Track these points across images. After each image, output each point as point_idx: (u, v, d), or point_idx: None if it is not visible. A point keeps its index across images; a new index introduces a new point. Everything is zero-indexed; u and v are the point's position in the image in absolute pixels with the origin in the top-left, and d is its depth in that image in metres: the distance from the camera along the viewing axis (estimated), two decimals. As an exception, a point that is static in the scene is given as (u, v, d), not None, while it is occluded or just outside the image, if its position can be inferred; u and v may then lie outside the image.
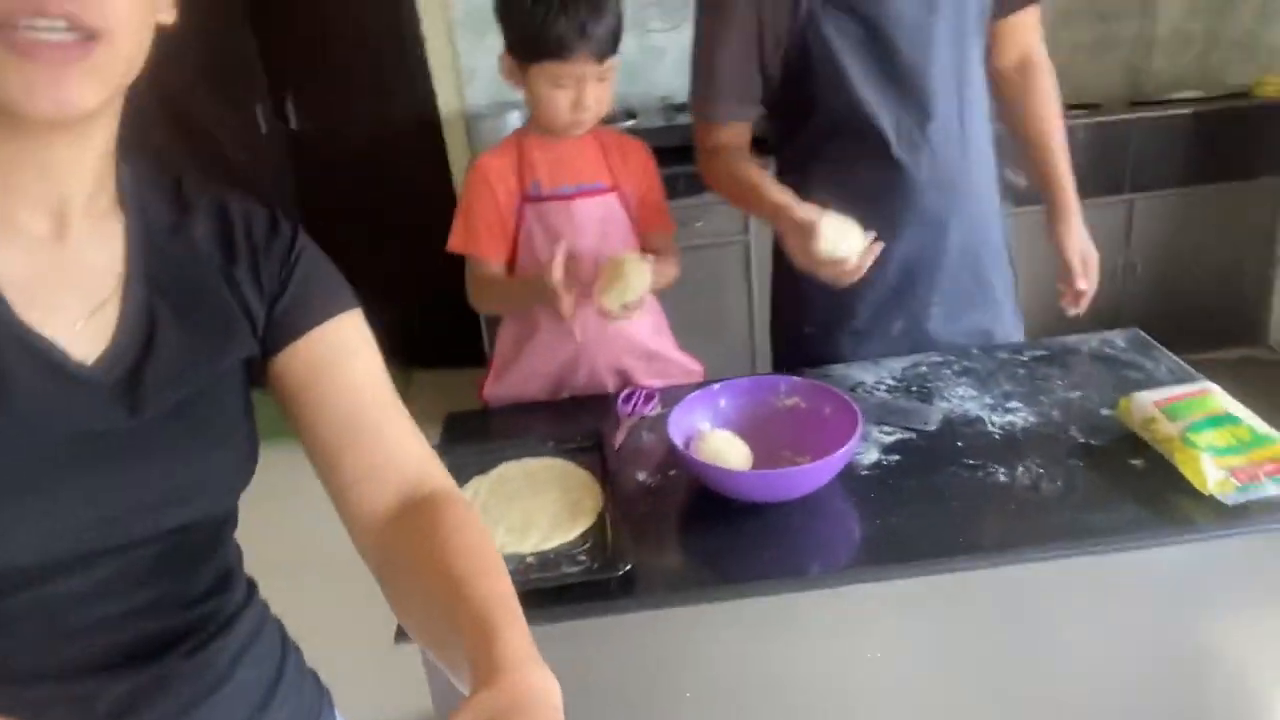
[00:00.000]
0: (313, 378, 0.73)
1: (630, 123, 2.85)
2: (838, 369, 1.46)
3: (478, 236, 1.42)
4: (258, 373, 0.75)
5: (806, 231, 1.22)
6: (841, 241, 1.23)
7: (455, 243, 1.44)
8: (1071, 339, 1.48)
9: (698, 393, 1.24)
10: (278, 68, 3.10)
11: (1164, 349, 1.42)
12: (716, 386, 1.27)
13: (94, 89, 0.58)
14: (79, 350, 0.65)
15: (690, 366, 1.58)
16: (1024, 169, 1.61)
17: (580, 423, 1.36)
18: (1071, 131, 1.55)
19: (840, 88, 1.36)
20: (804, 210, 1.25)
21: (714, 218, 2.69)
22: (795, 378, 1.27)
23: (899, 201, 1.42)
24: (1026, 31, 1.53)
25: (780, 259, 1.59)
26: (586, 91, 1.35)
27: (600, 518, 1.12)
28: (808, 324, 1.57)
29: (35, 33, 0.55)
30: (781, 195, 1.31)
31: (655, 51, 3.12)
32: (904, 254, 1.45)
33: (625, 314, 1.35)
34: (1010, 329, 1.59)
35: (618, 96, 3.11)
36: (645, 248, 1.50)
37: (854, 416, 1.14)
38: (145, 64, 0.63)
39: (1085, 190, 2.68)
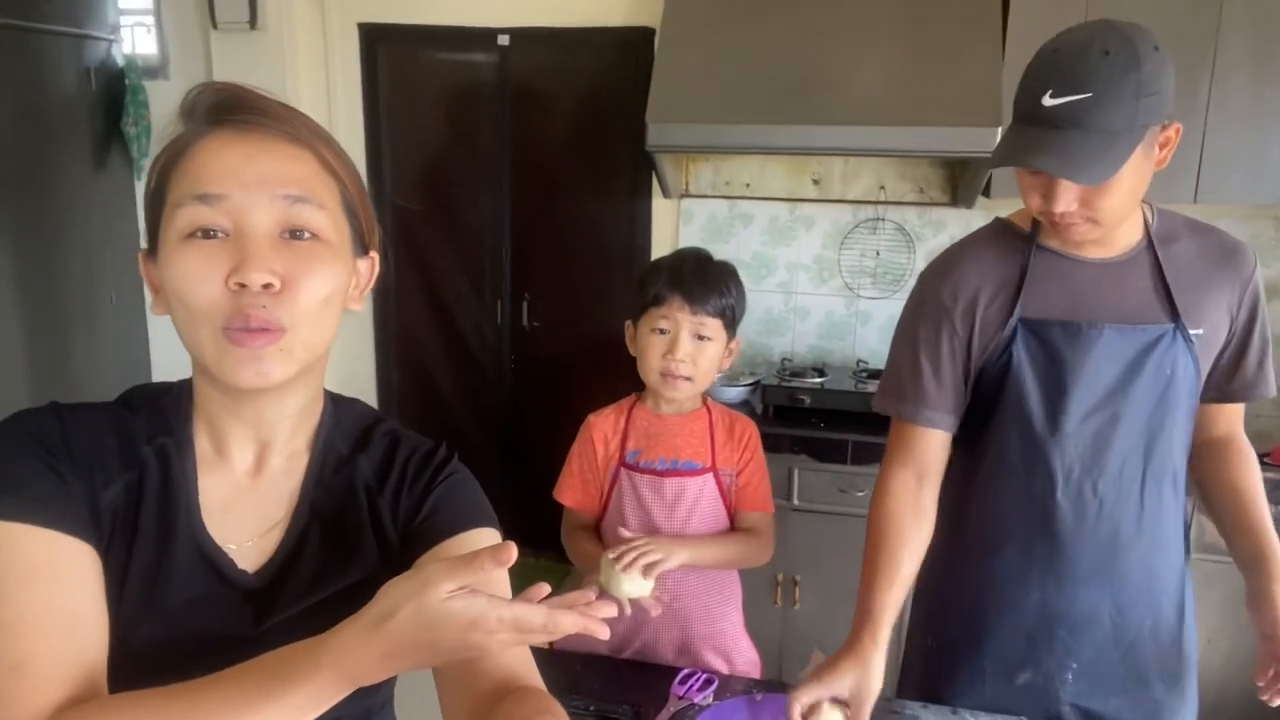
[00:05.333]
0: None
1: (819, 380, 2.93)
2: (911, 708, 1.39)
3: (574, 489, 1.55)
4: None
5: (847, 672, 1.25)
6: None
7: (556, 489, 1.57)
8: (1193, 748, 1.31)
9: (730, 702, 1.24)
10: (522, 273, 3.54)
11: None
12: (758, 698, 1.26)
13: (284, 366, 0.76)
14: (245, 561, 0.81)
15: (749, 657, 1.57)
16: (1226, 541, 1.44)
17: (632, 690, 1.38)
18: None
19: (1021, 413, 1.35)
20: (862, 664, 1.26)
21: (879, 491, 2.66)
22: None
23: (1051, 545, 1.36)
24: (1230, 419, 1.46)
25: (938, 557, 1.52)
26: (680, 340, 1.45)
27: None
28: (932, 635, 1.52)
29: (244, 331, 0.74)
30: (882, 625, 1.30)
31: (862, 316, 3.23)
32: (1046, 602, 1.38)
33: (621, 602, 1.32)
34: None
35: (813, 350, 3.25)
36: (736, 525, 1.55)
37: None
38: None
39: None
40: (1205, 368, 1.35)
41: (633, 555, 1.33)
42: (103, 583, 0.74)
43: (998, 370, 1.35)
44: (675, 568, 1.38)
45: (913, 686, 1.54)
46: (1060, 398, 1.33)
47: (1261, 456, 2.62)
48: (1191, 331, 1.31)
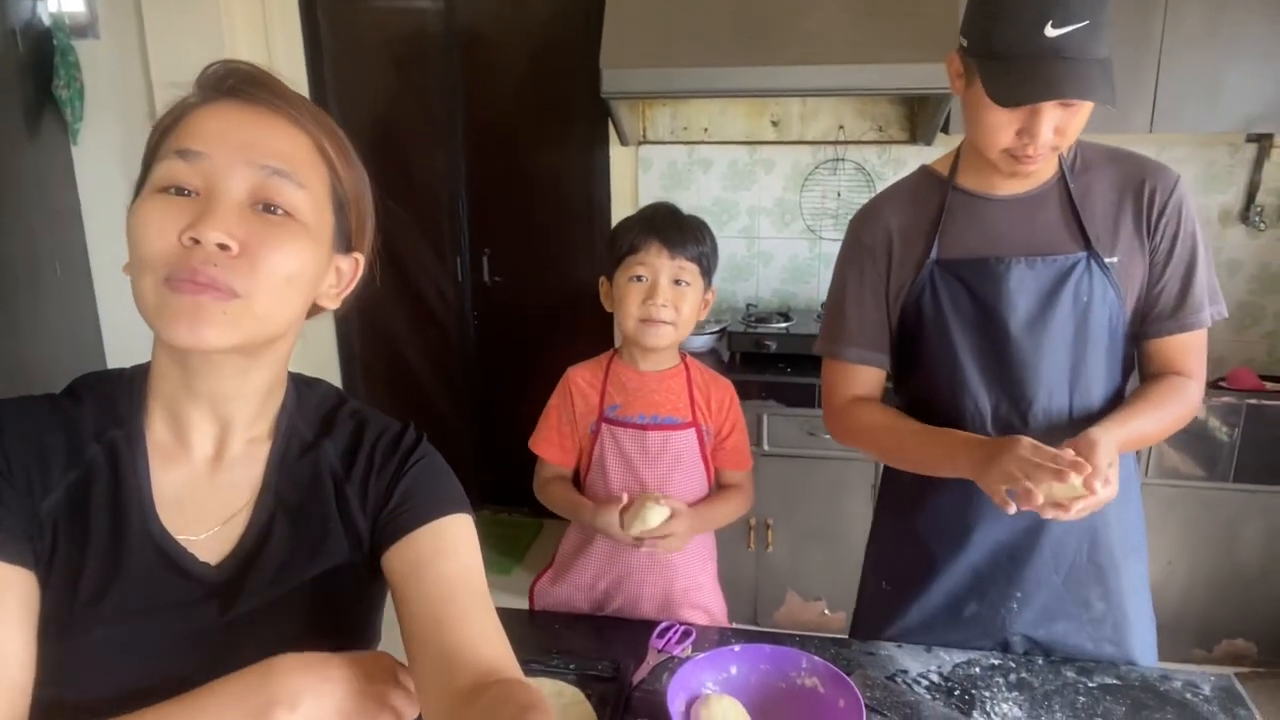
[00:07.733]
0: (411, 572, 0.80)
1: (784, 325, 2.93)
2: (886, 649, 1.41)
3: (549, 441, 1.54)
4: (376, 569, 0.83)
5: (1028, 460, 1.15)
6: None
7: (532, 440, 1.57)
8: (1155, 671, 1.35)
9: (710, 654, 1.25)
10: (481, 229, 3.48)
11: (1254, 709, 1.26)
12: (736, 649, 1.27)
13: (225, 332, 0.71)
14: (206, 553, 0.78)
15: (721, 606, 1.60)
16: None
17: (613, 647, 1.39)
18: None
19: (945, 354, 1.37)
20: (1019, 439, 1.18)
21: (847, 432, 2.68)
22: (818, 658, 1.25)
23: None
24: (1166, 357, 1.37)
25: (884, 501, 1.59)
26: (660, 284, 1.45)
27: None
28: (886, 579, 1.55)
29: (188, 283, 0.70)
30: (959, 433, 1.30)
31: (825, 258, 3.22)
32: (988, 533, 1.40)
33: (640, 543, 1.43)
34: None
35: (778, 294, 3.24)
36: (717, 480, 1.56)
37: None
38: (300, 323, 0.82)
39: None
40: (1130, 296, 1.35)
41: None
42: (35, 608, 0.71)
43: (918, 310, 1.38)
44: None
45: (867, 629, 1.55)
46: (980, 333, 1.35)
47: (1216, 381, 2.68)
48: (1106, 259, 1.32)
